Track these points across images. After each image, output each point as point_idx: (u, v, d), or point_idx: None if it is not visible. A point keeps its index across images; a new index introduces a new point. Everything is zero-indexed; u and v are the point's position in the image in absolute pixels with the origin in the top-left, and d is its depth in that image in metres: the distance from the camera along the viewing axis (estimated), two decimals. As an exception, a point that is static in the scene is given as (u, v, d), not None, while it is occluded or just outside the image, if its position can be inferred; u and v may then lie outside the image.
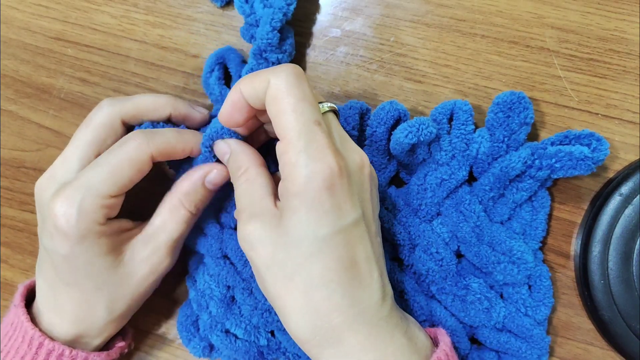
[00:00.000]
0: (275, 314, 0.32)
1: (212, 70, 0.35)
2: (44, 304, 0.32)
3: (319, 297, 0.25)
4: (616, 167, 0.32)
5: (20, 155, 0.39)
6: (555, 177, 0.30)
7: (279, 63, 0.32)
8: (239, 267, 0.33)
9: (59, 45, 0.38)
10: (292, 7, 0.31)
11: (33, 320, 0.31)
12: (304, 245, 0.25)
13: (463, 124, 0.31)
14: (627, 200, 0.31)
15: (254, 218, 0.27)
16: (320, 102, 0.28)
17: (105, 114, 0.31)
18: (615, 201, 0.31)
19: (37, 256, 0.38)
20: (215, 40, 0.36)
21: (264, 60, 0.32)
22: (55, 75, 0.38)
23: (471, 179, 0.33)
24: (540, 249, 0.32)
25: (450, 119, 0.32)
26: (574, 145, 0.30)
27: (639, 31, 0.32)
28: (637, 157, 0.32)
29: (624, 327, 0.31)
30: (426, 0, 0.34)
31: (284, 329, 0.33)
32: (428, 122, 0.30)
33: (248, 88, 0.27)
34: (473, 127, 0.31)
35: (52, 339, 0.30)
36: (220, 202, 0.34)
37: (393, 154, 0.31)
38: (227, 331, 0.33)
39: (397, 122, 0.32)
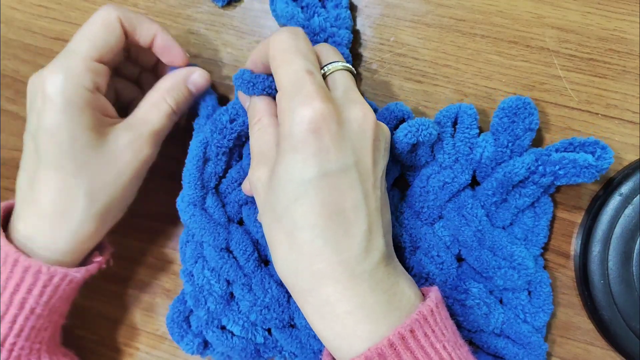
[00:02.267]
0: (274, 311, 0.32)
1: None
2: (22, 206, 0.31)
3: (302, 240, 0.26)
4: (616, 167, 0.32)
5: (20, 155, 0.39)
6: (559, 184, 0.30)
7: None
8: (241, 261, 0.33)
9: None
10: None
11: (9, 237, 0.31)
12: (290, 188, 0.26)
13: (467, 128, 0.31)
14: (627, 200, 0.31)
15: (261, 164, 0.28)
16: (332, 62, 0.29)
17: (105, 16, 0.31)
18: (615, 201, 0.31)
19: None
20: (215, 40, 0.36)
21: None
22: (55, 75, 0.38)
23: (474, 183, 0.33)
24: (542, 254, 0.32)
25: (455, 122, 0.32)
26: (578, 152, 0.30)
27: (639, 31, 0.32)
28: (637, 157, 0.32)
29: (623, 327, 0.31)
30: (426, 0, 0.34)
31: (282, 327, 0.33)
32: (429, 123, 0.30)
33: (256, 53, 0.30)
34: (477, 131, 0.31)
35: (28, 255, 0.30)
36: (225, 196, 0.34)
37: (395, 153, 0.31)
38: (223, 328, 0.33)
39: (402, 123, 0.32)
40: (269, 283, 0.33)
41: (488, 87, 0.34)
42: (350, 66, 0.30)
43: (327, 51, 0.30)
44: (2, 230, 0.30)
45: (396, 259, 0.29)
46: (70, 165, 0.30)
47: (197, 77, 0.33)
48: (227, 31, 0.36)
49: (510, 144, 0.31)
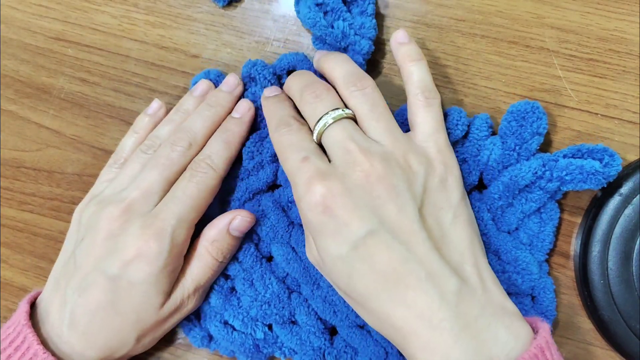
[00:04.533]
0: (275, 307, 0.33)
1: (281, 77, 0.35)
2: (74, 329, 0.30)
3: (376, 307, 0.26)
4: (616, 167, 0.32)
5: (20, 155, 0.39)
6: (565, 189, 0.30)
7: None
8: (239, 257, 0.33)
9: (59, 45, 0.38)
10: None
11: (38, 331, 0.30)
12: (339, 267, 0.27)
13: (477, 129, 0.31)
14: (627, 200, 0.31)
15: (309, 240, 0.30)
16: (322, 116, 0.29)
17: (185, 157, 0.32)
18: (615, 201, 0.31)
19: (36, 256, 0.38)
20: (215, 40, 0.37)
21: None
22: (55, 75, 0.38)
23: (481, 186, 0.33)
24: (546, 261, 0.32)
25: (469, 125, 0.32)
26: (586, 158, 0.30)
27: (639, 31, 0.32)
28: (637, 157, 0.32)
29: (623, 327, 0.31)
30: (426, 0, 0.34)
31: (282, 323, 0.33)
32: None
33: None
34: (487, 133, 0.32)
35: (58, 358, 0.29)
36: (226, 194, 0.34)
37: None
38: (225, 322, 0.34)
39: None
40: (270, 279, 0.33)
41: (488, 87, 0.34)
42: (343, 111, 0.29)
43: (309, 102, 0.30)
44: (39, 341, 0.29)
45: (491, 290, 0.27)
46: (134, 317, 0.30)
47: (239, 223, 0.32)
48: (227, 31, 0.36)
49: (517, 147, 0.31)
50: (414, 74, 0.30)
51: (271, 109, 0.32)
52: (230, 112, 0.34)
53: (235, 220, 0.32)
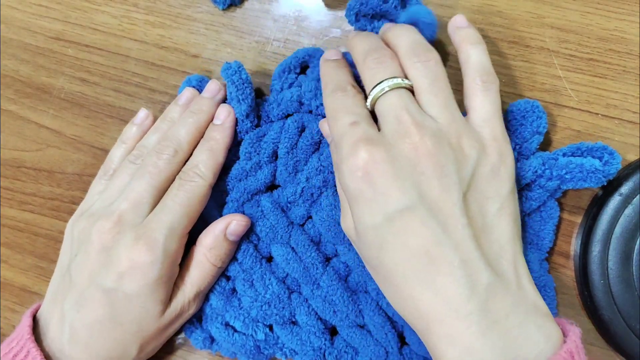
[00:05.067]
0: (275, 307, 0.32)
1: (294, 69, 0.34)
2: (75, 344, 0.30)
3: (401, 285, 0.25)
4: (616, 167, 0.32)
5: (21, 155, 0.39)
6: (565, 188, 0.30)
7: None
8: (239, 257, 0.33)
9: (59, 45, 0.38)
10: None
11: (40, 345, 0.30)
12: (371, 237, 0.26)
13: None
14: (627, 200, 0.31)
15: (345, 211, 0.29)
16: (380, 81, 0.28)
17: (173, 165, 0.32)
18: (615, 201, 0.31)
19: (36, 256, 0.38)
20: (215, 40, 0.37)
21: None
22: (55, 75, 0.38)
23: None
24: (547, 260, 0.32)
25: None
26: (585, 157, 0.30)
27: (639, 31, 0.32)
28: (637, 157, 0.32)
29: (624, 327, 0.31)
30: (426, 1, 0.34)
31: (282, 324, 0.33)
32: None
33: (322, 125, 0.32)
34: None
35: None
36: (225, 195, 0.34)
37: None
38: (227, 324, 0.34)
39: None
40: (270, 279, 0.33)
41: (488, 87, 0.34)
42: (402, 80, 0.28)
43: (370, 66, 0.29)
44: (43, 356, 0.29)
45: (526, 288, 0.26)
46: (134, 327, 0.30)
47: (235, 227, 0.32)
48: (227, 31, 0.36)
49: (517, 147, 0.31)
50: (472, 57, 0.29)
51: (329, 73, 0.31)
52: (213, 117, 0.34)
53: (231, 225, 0.32)
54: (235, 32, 0.36)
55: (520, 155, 0.31)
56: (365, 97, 0.29)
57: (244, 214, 0.34)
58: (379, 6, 0.31)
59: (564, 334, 0.25)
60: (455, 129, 0.27)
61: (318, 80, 0.33)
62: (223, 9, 0.36)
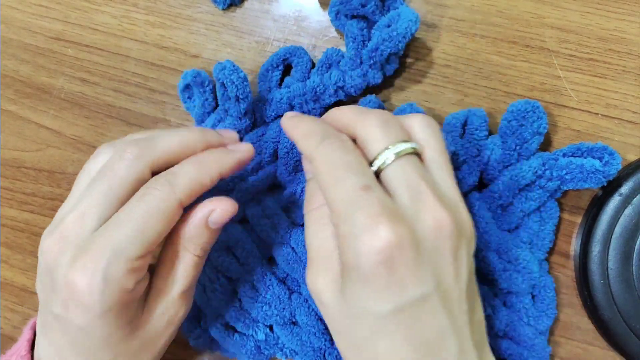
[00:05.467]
0: (275, 308, 0.32)
1: (277, 67, 0.34)
2: None
3: None
4: (616, 167, 0.32)
5: (20, 155, 0.39)
6: (565, 188, 0.30)
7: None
8: (241, 259, 0.33)
9: (59, 45, 0.38)
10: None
11: None
12: (367, 321, 0.23)
13: (476, 129, 0.31)
14: (627, 200, 0.31)
15: (321, 271, 0.25)
16: (384, 149, 0.24)
17: (133, 167, 0.25)
18: (615, 201, 0.31)
19: (36, 256, 0.38)
20: (215, 40, 0.37)
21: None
22: (55, 75, 0.38)
23: (481, 185, 0.33)
24: (546, 260, 0.32)
25: (464, 124, 0.32)
26: (585, 157, 0.30)
27: (639, 31, 0.32)
28: (637, 157, 0.32)
29: (624, 326, 0.31)
30: (426, 1, 0.34)
31: (283, 324, 0.33)
32: None
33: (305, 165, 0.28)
34: (486, 133, 0.32)
35: None
36: (226, 195, 0.34)
37: None
38: (226, 324, 0.34)
39: None
40: (270, 280, 0.33)
41: (488, 87, 0.34)
42: (411, 146, 0.24)
43: (374, 131, 0.24)
44: None
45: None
46: (106, 356, 0.26)
47: (218, 215, 0.26)
48: (227, 31, 0.36)
49: (517, 147, 0.31)
50: None
51: (305, 122, 0.26)
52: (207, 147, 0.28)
53: (214, 213, 0.26)
54: (235, 32, 0.36)
55: (520, 156, 0.31)
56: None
57: (244, 213, 0.34)
58: (357, 9, 0.31)
59: None
60: (463, 207, 0.25)
61: (304, 81, 0.33)
62: (223, 9, 0.36)
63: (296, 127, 0.26)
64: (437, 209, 0.23)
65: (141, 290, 0.26)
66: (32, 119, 0.39)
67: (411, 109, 0.32)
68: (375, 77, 0.32)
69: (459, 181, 0.31)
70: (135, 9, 0.37)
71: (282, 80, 0.35)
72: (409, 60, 0.34)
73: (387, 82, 0.35)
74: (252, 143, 0.33)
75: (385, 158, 0.24)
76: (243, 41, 0.36)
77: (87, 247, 0.24)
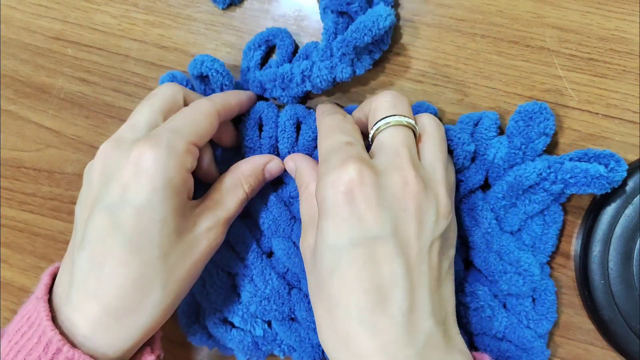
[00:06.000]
0: (274, 303, 0.33)
1: (259, 46, 0.35)
2: (80, 293, 0.26)
3: (338, 318, 0.24)
4: (616, 167, 0.32)
5: (20, 155, 0.39)
6: (569, 192, 0.30)
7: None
8: (241, 253, 0.33)
9: (59, 45, 0.38)
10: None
11: (54, 318, 0.26)
12: (327, 257, 0.25)
13: (486, 129, 0.31)
14: (627, 200, 0.31)
15: (308, 231, 0.28)
16: (386, 116, 0.27)
17: (171, 88, 0.31)
18: (615, 201, 0.31)
19: (36, 256, 0.38)
20: (215, 40, 0.36)
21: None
22: (55, 75, 0.38)
23: (484, 186, 0.33)
24: (547, 262, 0.32)
25: (476, 124, 0.32)
26: (591, 163, 0.30)
27: (639, 31, 0.32)
28: (637, 157, 0.32)
29: (624, 327, 0.31)
30: (426, 1, 0.34)
31: (281, 320, 0.33)
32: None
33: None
34: (495, 133, 0.32)
35: (73, 344, 0.25)
36: None
37: None
38: (224, 320, 0.34)
39: None
40: (270, 275, 0.33)
41: (488, 87, 0.34)
42: (408, 120, 0.27)
43: (383, 102, 0.28)
44: (48, 310, 0.26)
45: (455, 339, 0.26)
46: (156, 251, 0.26)
47: (274, 165, 0.32)
48: (227, 31, 0.36)
49: (523, 147, 0.31)
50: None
51: (327, 109, 0.32)
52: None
53: (272, 163, 0.32)
54: (235, 32, 0.36)
55: (525, 156, 0.31)
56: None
57: (249, 208, 0.34)
58: (342, 6, 0.32)
59: None
60: (442, 186, 0.27)
61: (281, 65, 0.34)
62: (223, 9, 0.36)
63: (320, 108, 0.32)
64: (407, 170, 0.25)
65: (190, 187, 0.29)
66: (32, 118, 0.39)
67: (421, 109, 0.33)
68: (344, 72, 0.32)
69: (466, 179, 0.32)
70: (135, 9, 0.37)
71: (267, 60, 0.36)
72: (409, 60, 0.34)
73: (387, 82, 0.35)
74: (252, 143, 0.33)
75: (382, 124, 0.27)
76: (243, 41, 0.36)
77: (150, 132, 0.28)
